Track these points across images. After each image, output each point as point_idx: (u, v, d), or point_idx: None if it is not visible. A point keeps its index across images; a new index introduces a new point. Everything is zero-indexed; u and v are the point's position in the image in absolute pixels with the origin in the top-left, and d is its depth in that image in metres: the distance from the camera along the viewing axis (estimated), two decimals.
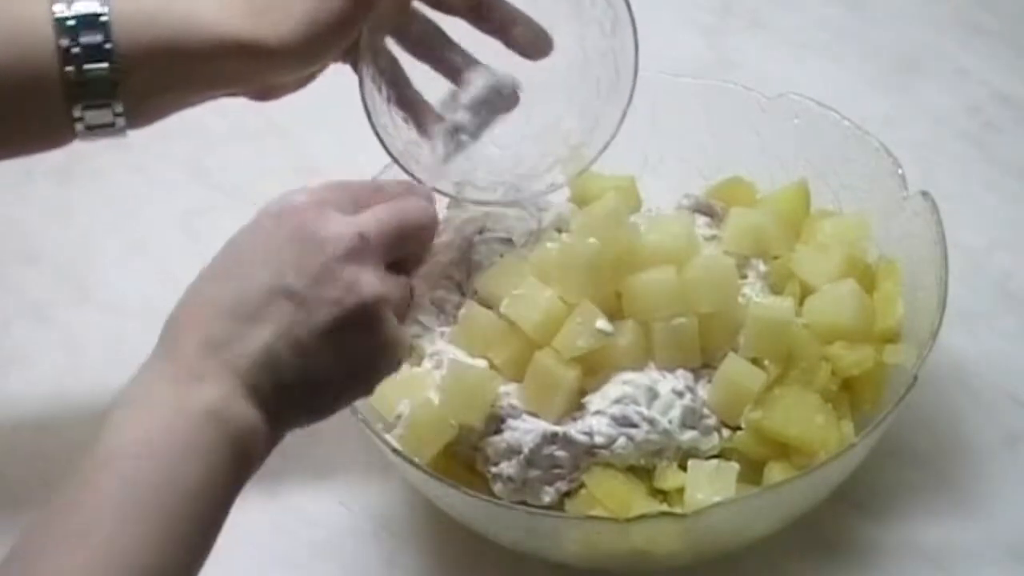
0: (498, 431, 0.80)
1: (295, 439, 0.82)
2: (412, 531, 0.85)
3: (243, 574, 0.81)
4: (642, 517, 0.74)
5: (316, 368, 0.66)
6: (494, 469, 0.79)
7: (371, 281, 0.68)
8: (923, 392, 0.83)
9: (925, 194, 0.83)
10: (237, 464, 0.63)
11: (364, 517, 0.86)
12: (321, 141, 1.08)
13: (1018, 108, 1.05)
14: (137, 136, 1.10)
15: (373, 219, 0.71)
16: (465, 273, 0.85)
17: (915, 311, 0.81)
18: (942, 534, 0.82)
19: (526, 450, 0.78)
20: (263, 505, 0.82)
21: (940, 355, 0.84)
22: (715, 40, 1.13)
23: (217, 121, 1.11)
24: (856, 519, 0.82)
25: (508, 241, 0.85)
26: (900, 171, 0.85)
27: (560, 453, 0.79)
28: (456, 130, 0.83)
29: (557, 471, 0.79)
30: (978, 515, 0.82)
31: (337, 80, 1.13)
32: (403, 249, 0.73)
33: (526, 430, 0.79)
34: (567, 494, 0.79)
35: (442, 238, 0.86)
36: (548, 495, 0.79)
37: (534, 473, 0.79)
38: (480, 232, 0.85)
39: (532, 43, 0.83)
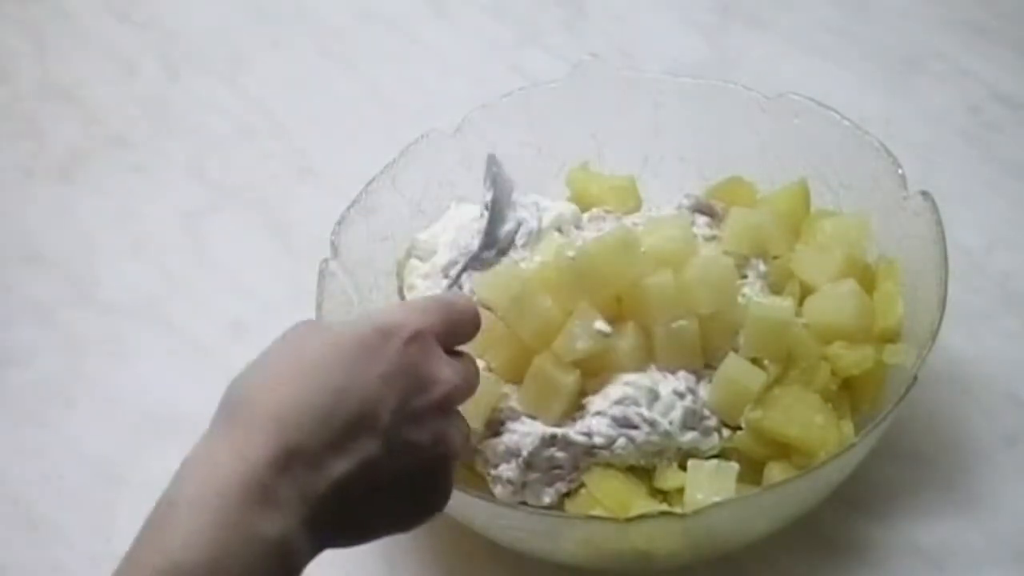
0: (497, 433, 0.80)
1: None
2: (412, 531, 0.85)
3: None
4: (642, 517, 0.74)
5: (379, 506, 0.64)
6: (493, 472, 0.79)
7: (456, 436, 0.66)
8: (923, 392, 0.83)
9: (925, 194, 0.83)
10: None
11: None
12: (321, 141, 1.08)
13: (1018, 108, 1.05)
14: (137, 136, 1.11)
15: (473, 370, 0.69)
16: (466, 273, 0.85)
17: (915, 311, 0.81)
18: (942, 534, 0.82)
19: (525, 453, 0.78)
20: None
21: (940, 355, 0.84)
22: (715, 40, 1.13)
23: (217, 121, 1.11)
24: (856, 519, 0.82)
25: (502, 252, 0.85)
26: (900, 171, 0.85)
27: (560, 454, 0.79)
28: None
29: (557, 472, 0.79)
30: (978, 515, 0.82)
31: (337, 81, 1.14)
32: (456, 340, 0.69)
33: (525, 433, 0.79)
34: (567, 494, 0.79)
35: (443, 237, 0.87)
36: (548, 496, 0.79)
37: (533, 475, 0.79)
38: (480, 232, 0.86)
39: None
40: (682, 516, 0.74)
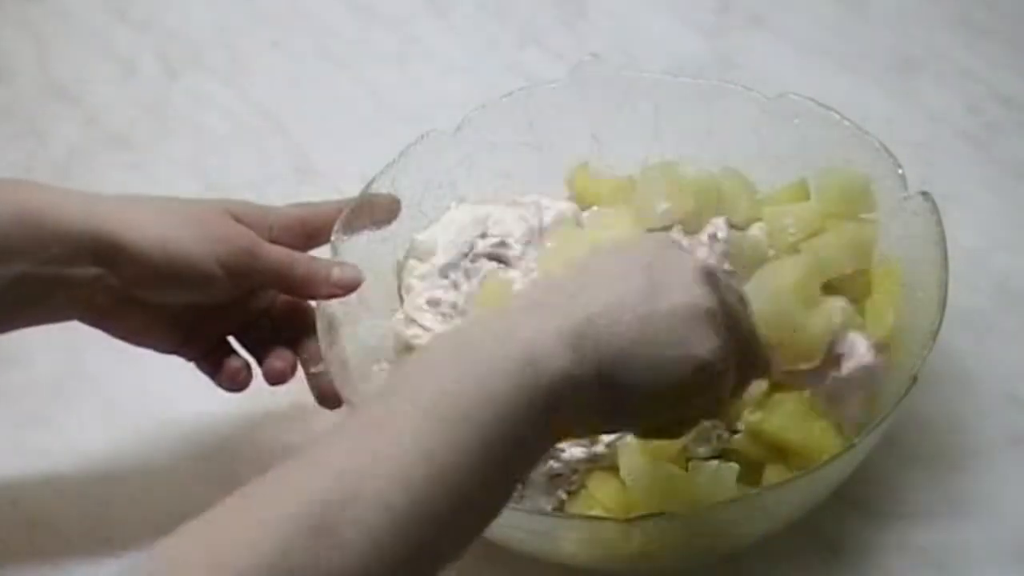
0: None
1: (297, 437, 0.83)
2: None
3: None
4: (643, 517, 0.74)
5: (646, 346, 0.64)
6: None
7: (716, 300, 0.67)
8: (923, 392, 0.83)
9: (925, 194, 0.83)
10: (546, 415, 0.61)
11: None
12: (321, 141, 1.08)
13: (1018, 108, 1.05)
14: (137, 136, 1.11)
15: (726, 289, 0.70)
16: (464, 274, 0.85)
17: (915, 311, 0.81)
18: (942, 534, 0.81)
19: None
20: None
21: (940, 355, 0.84)
22: (715, 40, 1.13)
23: (217, 121, 1.11)
24: (856, 519, 0.82)
25: (503, 244, 0.85)
26: (900, 171, 0.85)
27: (558, 464, 0.79)
28: None
29: (556, 479, 0.79)
30: (978, 515, 0.82)
31: (337, 81, 1.14)
32: (738, 344, 0.69)
33: None
34: (568, 494, 0.79)
35: (443, 238, 0.87)
36: (548, 503, 0.79)
37: (531, 489, 0.79)
38: (482, 235, 0.86)
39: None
40: (683, 516, 0.74)
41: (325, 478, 0.57)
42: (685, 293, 0.65)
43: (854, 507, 0.82)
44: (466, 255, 0.85)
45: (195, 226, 0.78)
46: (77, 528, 0.86)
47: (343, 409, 0.79)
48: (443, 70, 1.13)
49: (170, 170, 1.08)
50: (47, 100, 1.14)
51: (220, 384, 0.83)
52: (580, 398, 0.62)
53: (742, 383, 0.70)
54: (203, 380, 0.84)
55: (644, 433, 0.71)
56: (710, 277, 0.67)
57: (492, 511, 0.62)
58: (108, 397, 0.93)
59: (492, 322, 0.65)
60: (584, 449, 0.79)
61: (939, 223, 0.82)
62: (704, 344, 0.65)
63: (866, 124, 0.88)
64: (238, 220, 0.80)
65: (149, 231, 0.76)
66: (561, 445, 0.78)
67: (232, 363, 0.83)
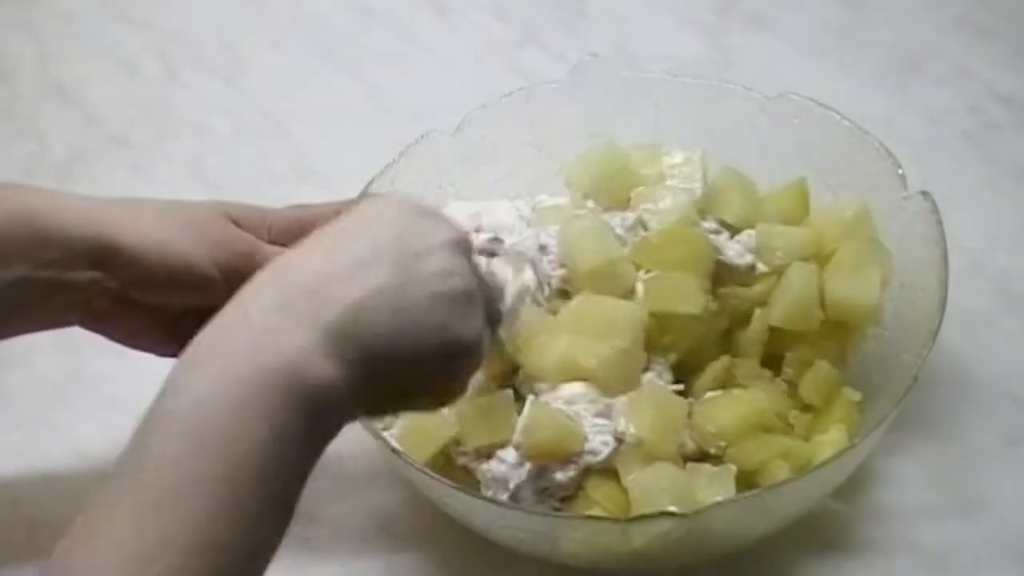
0: (490, 456, 0.80)
1: None
2: (412, 531, 0.85)
3: None
4: (642, 517, 0.74)
5: (405, 338, 0.63)
6: (487, 492, 0.79)
7: (471, 274, 0.67)
8: (923, 392, 0.83)
9: (925, 194, 0.83)
10: (311, 427, 0.59)
11: (364, 517, 0.85)
12: (321, 141, 1.08)
13: (1018, 108, 1.05)
14: (137, 136, 1.11)
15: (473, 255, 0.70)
16: None
17: (915, 311, 0.81)
18: (942, 534, 0.81)
19: (511, 486, 0.79)
20: None
21: (940, 355, 0.84)
22: (715, 40, 1.13)
23: (217, 121, 1.11)
24: (856, 519, 0.82)
25: (499, 240, 0.85)
26: (900, 171, 0.85)
27: (547, 482, 0.79)
28: None
29: (547, 491, 0.79)
30: (978, 515, 0.82)
31: (337, 81, 1.14)
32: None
33: (513, 464, 0.79)
34: (561, 500, 0.79)
35: None
36: (543, 510, 0.79)
37: (524, 501, 0.79)
38: (477, 230, 0.85)
39: None
40: (682, 516, 0.74)
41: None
42: (440, 274, 0.64)
43: (854, 507, 0.82)
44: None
45: (193, 229, 0.78)
46: None
47: None
48: (443, 70, 1.13)
49: (170, 170, 1.08)
50: (47, 100, 1.14)
51: None
52: (348, 398, 0.61)
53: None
54: None
55: (424, 409, 0.71)
56: (464, 247, 0.66)
57: (284, 509, 0.59)
58: (108, 397, 0.93)
59: (240, 333, 0.60)
60: (575, 467, 0.79)
61: (939, 223, 0.82)
62: (465, 326, 0.65)
63: (866, 124, 0.88)
64: (236, 223, 0.80)
65: (146, 234, 0.76)
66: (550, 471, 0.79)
67: None
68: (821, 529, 0.81)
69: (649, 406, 0.79)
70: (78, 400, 0.93)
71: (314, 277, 0.62)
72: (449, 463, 0.81)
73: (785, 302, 0.82)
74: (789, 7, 1.14)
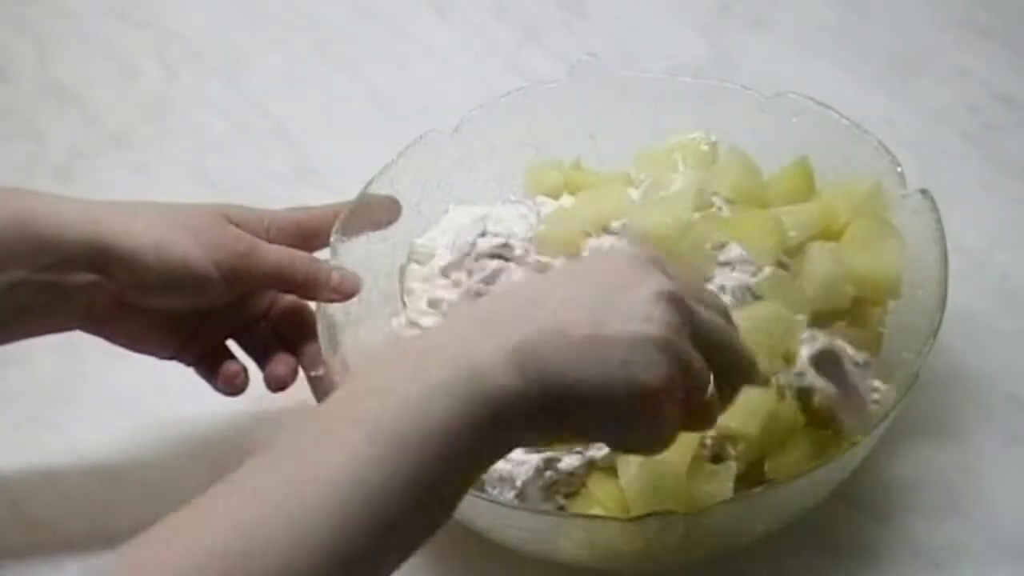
0: None
1: None
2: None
3: None
4: (642, 517, 0.74)
5: (591, 371, 0.62)
6: (492, 491, 0.79)
7: (675, 326, 0.64)
8: (923, 392, 0.83)
9: (924, 192, 0.83)
10: (487, 425, 0.61)
11: None
12: (321, 141, 1.08)
13: (1018, 108, 1.05)
14: (137, 136, 1.11)
15: (699, 306, 0.67)
16: (466, 273, 0.85)
17: (915, 309, 0.81)
18: (942, 534, 0.81)
19: (519, 483, 0.78)
20: None
21: (940, 355, 0.84)
22: (715, 40, 1.13)
23: (217, 121, 1.11)
24: (856, 519, 0.82)
25: (506, 246, 0.85)
26: (899, 169, 0.85)
27: (553, 473, 0.79)
28: None
29: (554, 486, 0.79)
30: (978, 515, 0.82)
31: (337, 81, 1.14)
32: (712, 357, 0.66)
33: (519, 462, 0.79)
34: (567, 496, 0.79)
35: (444, 239, 0.87)
36: (547, 507, 0.79)
37: (530, 498, 0.79)
38: (482, 234, 0.86)
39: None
40: (683, 516, 0.74)
41: (255, 507, 0.58)
42: (636, 318, 0.63)
43: (854, 507, 0.82)
44: (467, 255, 0.85)
45: (191, 231, 0.78)
46: (77, 528, 0.86)
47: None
48: (443, 70, 1.13)
49: (170, 170, 1.08)
50: (47, 100, 1.14)
51: (217, 388, 0.83)
52: (524, 416, 0.62)
53: (731, 393, 0.69)
54: (203, 380, 0.84)
55: (614, 448, 0.72)
56: (673, 300, 0.65)
57: (427, 529, 0.62)
58: (108, 397, 0.93)
59: (440, 338, 0.65)
60: (580, 456, 0.79)
61: (938, 221, 0.82)
62: (649, 371, 0.63)
63: (866, 124, 0.88)
64: (235, 224, 0.80)
65: (144, 237, 0.77)
66: (558, 455, 0.79)
67: (229, 367, 0.83)
68: (821, 529, 0.81)
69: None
70: (78, 400, 0.93)
71: (515, 304, 0.64)
72: None
73: (815, 281, 0.81)
74: (789, 7, 1.14)
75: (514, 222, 0.86)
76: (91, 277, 0.77)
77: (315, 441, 0.60)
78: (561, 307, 0.63)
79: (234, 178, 1.06)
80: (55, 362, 0.95)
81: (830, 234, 0.84)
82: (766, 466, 0.78)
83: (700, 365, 0.65)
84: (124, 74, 1.16)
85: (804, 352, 0.79)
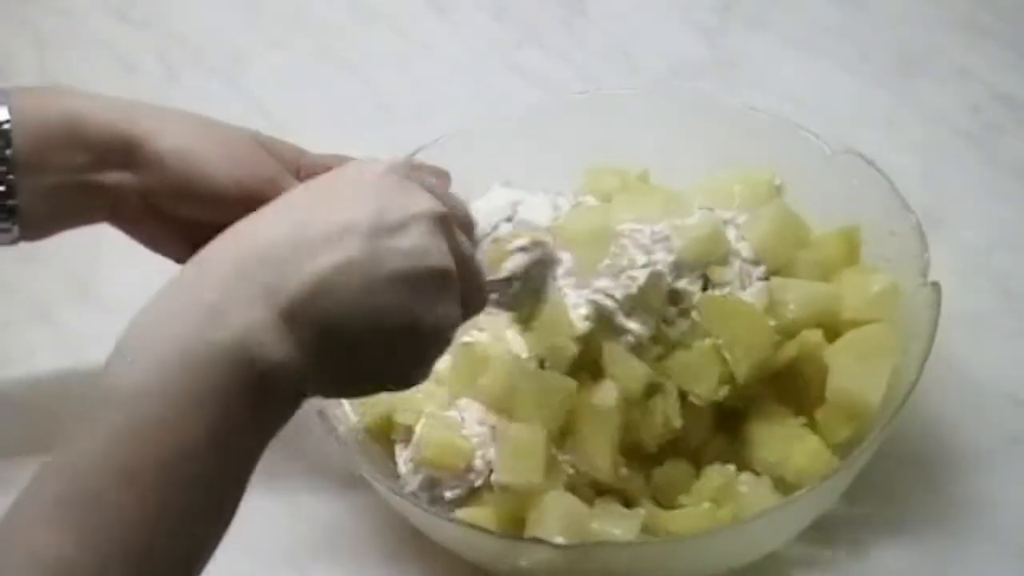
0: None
1: (295, 435, 0.82)
2: (410, 529, 0.85)
3: (241, 572, 0.81)
4: (518, 538, 0.75)
5: (368, 320, 0.59)
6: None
7: (447, 254, 0.63)
8: (923, 393, 0.83)
9: (935, 285, 0.80)
10: (261, 410, 0.56)
11: (363, 515, 0.85)
12: (321, 142, 1.08)
13: (1018, 108, 1.05)
14: None
15: (457, 231, 0.66)
16: (482, 254, 0.84)
17: (912, 313, 0.81)
18: (942, 534, 0.81)
19: (406, 490, 0.81)
20: (261, 502, 0.81)
21: (940, 355, 0.84)
22: (715, 40, 1.13)
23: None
24: (856, 519, 0.82)
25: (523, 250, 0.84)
26: (926, 255, 0.82)
27: (440, 495, 0.81)
28: None
29: (441, 500, 0.81)
30: (978, 515, 0.82)
31: (337, 81, 1.14)
32: (463, 286, 0.65)
33: (410, 471, 0.81)
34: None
35: (475, 216, 0.86)
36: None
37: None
38: (508, 219, 0.85)
39: None
40: (554, 546, 0.73)
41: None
42: (411, 253, 0.61)
43: (854, 507, 0.82)
44: (487, 235, 0.84)
45: (220, 146, 0.78)
46: None
47: None
48: (443, 70, 1.13)
49: None
50: None
51: None
52: (297, 383, 0.58)
53: (465, 317, 0.67)
54: None
55: (385, 389, 0.69)
56: (441, 223, 0.63)
57: (225, 506, 0.57)
58: None
59: (190, 302, 0.57)
60: (462, 487, 0.80)
61: (936, 318, 0.79)
62: (431, 310, 0.62)
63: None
64: (268, 152, 0.80)
65: (173, 140, 0.77)
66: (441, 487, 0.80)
67: None
68: (821, 529, 0.81)
69: (510, 450, 0.77)
70: (78, 400, 0.93)
71: (277, 247, 0.59)
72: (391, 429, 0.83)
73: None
74: (789, 7, 1.14)
75: (543, 211, 0.85)
76: (121, 175, 0.78)
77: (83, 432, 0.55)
78: (328, 245, 0.59)
79: None
80: (55, 362, 0.95)
81: (827, 321, 0.82)
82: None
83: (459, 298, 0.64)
84: (124, 74, 1.16)
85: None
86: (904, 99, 1.06)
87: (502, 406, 0.79)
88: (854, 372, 0.78)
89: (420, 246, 0.61)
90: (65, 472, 0.54)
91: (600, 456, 0.77)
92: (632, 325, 0.80)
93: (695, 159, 0.90)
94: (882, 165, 0.87)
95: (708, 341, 0.79)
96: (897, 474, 0.84)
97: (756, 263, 0.84)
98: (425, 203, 0.63)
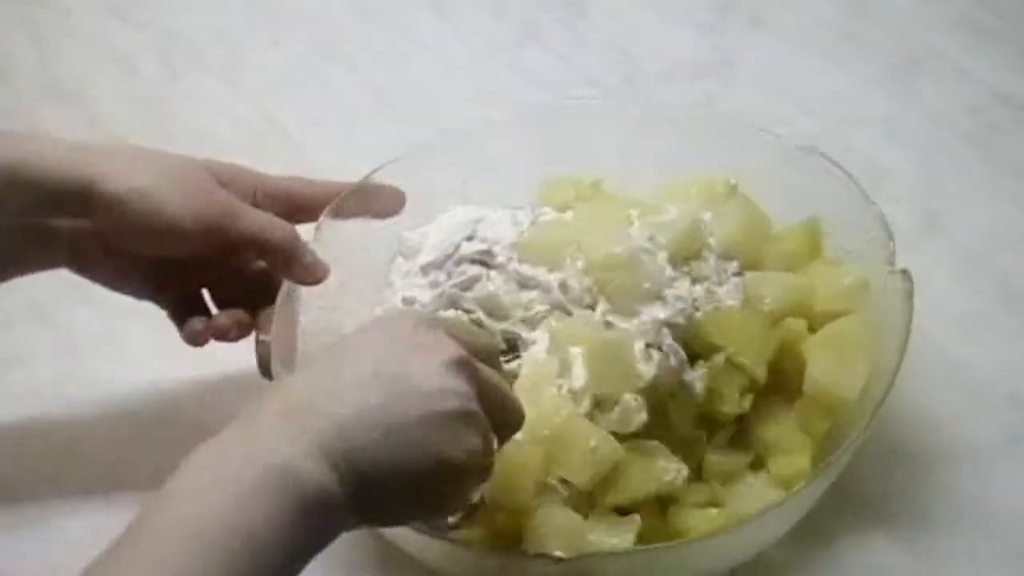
0: None
1: None
2: (399, 557, 0.85)
3: None
4: (516, 553, 0.74)
5: (399, 458, 0.63)
6: None
7: (469, 394, 0.65)
8: (923, 392, 0.83)
9: (905, 273, 0.80)
10: (307, 522, 0.60)
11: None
12: (321, 142, 1.08)
13: (1018, 108, 1.05)
14: (137, 136, 1.10)
15: (481, 364, 0.68)
16: (445, 275, 0.84)
17: (886, 303, 0.81)
18: (942, 534, 0.81)
19: None
20: None
21: (940, 355, 0.84)
22: (715, 40, 1.13)
23: (217, 121, 1.11)
24: (855, 519, 0.82)
25: (489, 252, 0.84)
26: (892, 245, 0.82)
27: None
28: None
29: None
30: (978, 515, 0.82)
31: (337, 81, 1.14)
32: (492, 413, 0.68)
33: None
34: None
35: (433, 239, 0.86)
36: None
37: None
38: (469, 237, 0.85)
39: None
40: (557, 560, 0.72)
41: None
42: (432, 394, 0.64)
43: (853, 507, 0.82)
44: (450, 256, 0.85)
45: (174, 181, 0.79)
46: (77, 529, 0.86)
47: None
48: (443, 70, 1.13)
49: None
50: (47, 100, 1.14)
51: (182, 336, 0.84)
52: (341, 506, 0.62)
53: (502, 444, 0.70)
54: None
55: (428, 520, 0.72)
56: (463, 366, 0.66)
57: None
58: (108, 397, 0.93)
59: (248, 436, 0.63)
60: None
61: (911, 308, 0.79)
62: (458, 447, 0.64)
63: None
64: (222, 182, 0.81)
65: (127, 181, 0.77)
66: None
67: (194, 324, 0.84)
68: (821, 529, 0.81)
69: (502, 468, 0.75)
70: (78, 400, 0.93)
71: (314, 391, 0.63)
72: None
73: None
74: (789, 7, 1.15)
75: (505, 228, 0.86)
76: (75, 220, 0.78)
77: (145, 554, 0.58)
78: (356, 392, 0.63)
79: None
80: (55, 362, 0.95)
81: (802, 312, 0.83)
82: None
83: (489, 428, 0.67)
84: (124, 74, 1.16)
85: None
86: (904, 99, 1.06)
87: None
88: (831, 366, 0.79)
89: (441, 390, 0.64)
90: (137, 550, 0.58)
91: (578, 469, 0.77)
92: (691, 376, 0.79)
93: (653, 165, 0.90)
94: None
95: (720, 357, 0.80)
96: (896, 473, 0.84)
97: (729, 259, 0.84)
98: (446, 349, 0.66)
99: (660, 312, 0.79)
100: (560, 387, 0.78)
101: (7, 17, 1.22)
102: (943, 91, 1.06)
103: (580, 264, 0.81)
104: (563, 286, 0.81)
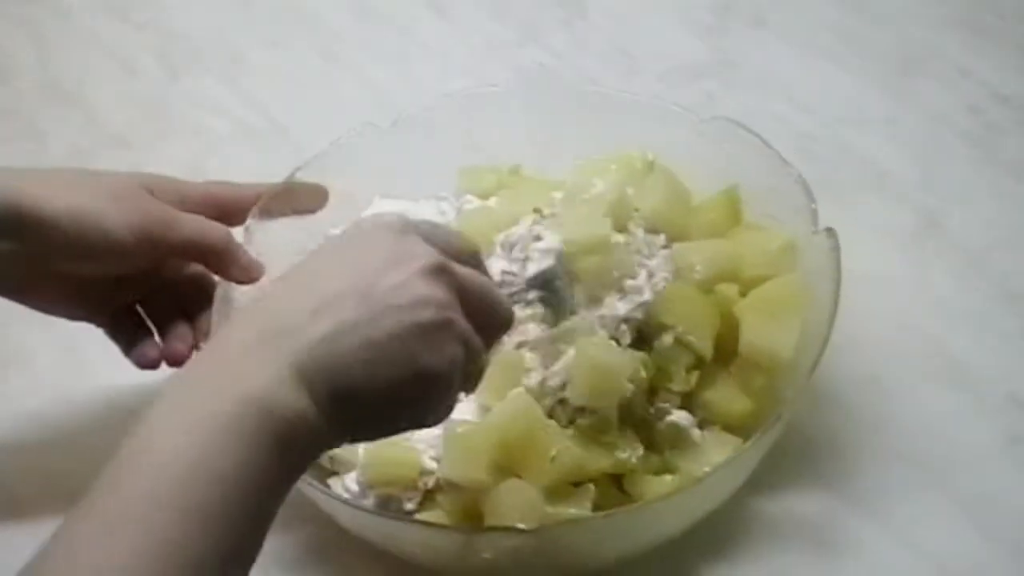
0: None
1: None
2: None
3: None
4: (483, 529, 0.75)
5: (378, 372, 0.62)
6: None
7: (446, 302, 0.64)
8: (923, 392, 0.83)
9: (830, 231, 0.81)
10: (282, 456, 0.59)
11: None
12: (321, 142, 1.08)
13: (1018, 108, 1.05)
14: (137, 136, 1.11)
15: (460, 267, 0.67)
16: None
17: (815, 263, 0.81)
18: (942, 534, 0.81)
19: None
20: None
21: (940, 355, 0.84)
22: (715, 40, 1.13)
23: (217, 121, 1.11)
24: (854, 518, 0.82)
25: None
26: (813, 206, 0.83)
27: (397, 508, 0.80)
28: None
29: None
30: (978, 515, 0.82)
31: (337, 81, 1.14)
32: (476, 316, 0.67)
33: (358, 493, 0.80)
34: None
35: None
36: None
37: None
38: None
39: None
40: (521, 532, 0.73)
41: None
42: (409, 305, 0.63)
43: (854, 507, 0.82)
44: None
45: (108, 198, 0.79)
46: None
47: None
48: (443, 70, 1.13)
49: (170, 170, 1.06)
50: (47, 100, 1.14)
51: (127, 355, 0.85)
52: (319, 430, 0.61)
53: (488, 345, 0.68)
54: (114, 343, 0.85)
55: (407, 429, 0.70)
56: (440, 272, 0.65)
57: (251, 552, 0.60)
58: (108, 397, 0.93)
59: (216, 369, 0.61)
60: (417, 494, 0.79)
61: (838, 261, 0.80)
62: (438, 356, 0.64)
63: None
64: (152, 193, 0.81)
65: (59, 203, 0.77)
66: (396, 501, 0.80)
67: (146, 349, 0.84)
68: (819, 529, 0.81)
69: (453, 445, 0.78)
70: (78, 400, 0.93)
71: (285, 312, 0.62)
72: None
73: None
74: (789, 7, 1.15)
75: (431, 219, 0.85)
76: (8, 244, 0.77)
77: (102, 529, 0.58)
78: (330, 309, 0.62)
79: (234, 178, 1.06)
80: (55, 362, 0.95)
81: (732, 277, 0.84)
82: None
83: (472, 333, 0.66)
84: (124, 74, 1.16)
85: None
86: (904, 99, 1.06)
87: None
88: (764, 327, 0.80)
89: (416, 299, 0.63)
90: (111, 503, 0.58)
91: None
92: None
93: (570, 148, 0.91)
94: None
95: (668, 337, 0.80)
96: (896, 473, 0.84)
97: (655, 232, 0.85)
98: (421, 256, 0.65)
99: (621, 307, 0.81)
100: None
101: (7, 17, 1.22)
102: (943, 91, 1.06)
103: (542, 245, 0.81)
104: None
